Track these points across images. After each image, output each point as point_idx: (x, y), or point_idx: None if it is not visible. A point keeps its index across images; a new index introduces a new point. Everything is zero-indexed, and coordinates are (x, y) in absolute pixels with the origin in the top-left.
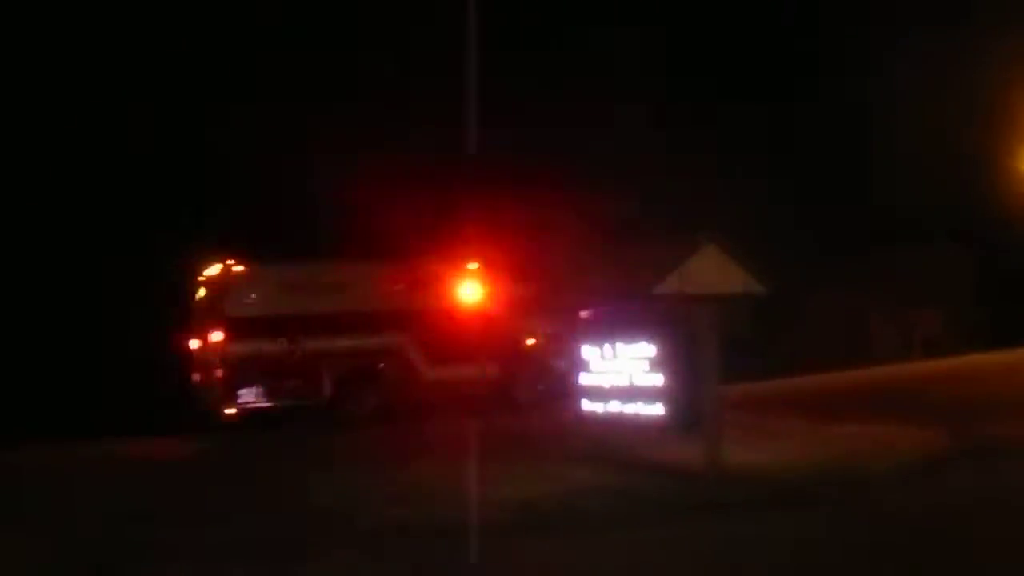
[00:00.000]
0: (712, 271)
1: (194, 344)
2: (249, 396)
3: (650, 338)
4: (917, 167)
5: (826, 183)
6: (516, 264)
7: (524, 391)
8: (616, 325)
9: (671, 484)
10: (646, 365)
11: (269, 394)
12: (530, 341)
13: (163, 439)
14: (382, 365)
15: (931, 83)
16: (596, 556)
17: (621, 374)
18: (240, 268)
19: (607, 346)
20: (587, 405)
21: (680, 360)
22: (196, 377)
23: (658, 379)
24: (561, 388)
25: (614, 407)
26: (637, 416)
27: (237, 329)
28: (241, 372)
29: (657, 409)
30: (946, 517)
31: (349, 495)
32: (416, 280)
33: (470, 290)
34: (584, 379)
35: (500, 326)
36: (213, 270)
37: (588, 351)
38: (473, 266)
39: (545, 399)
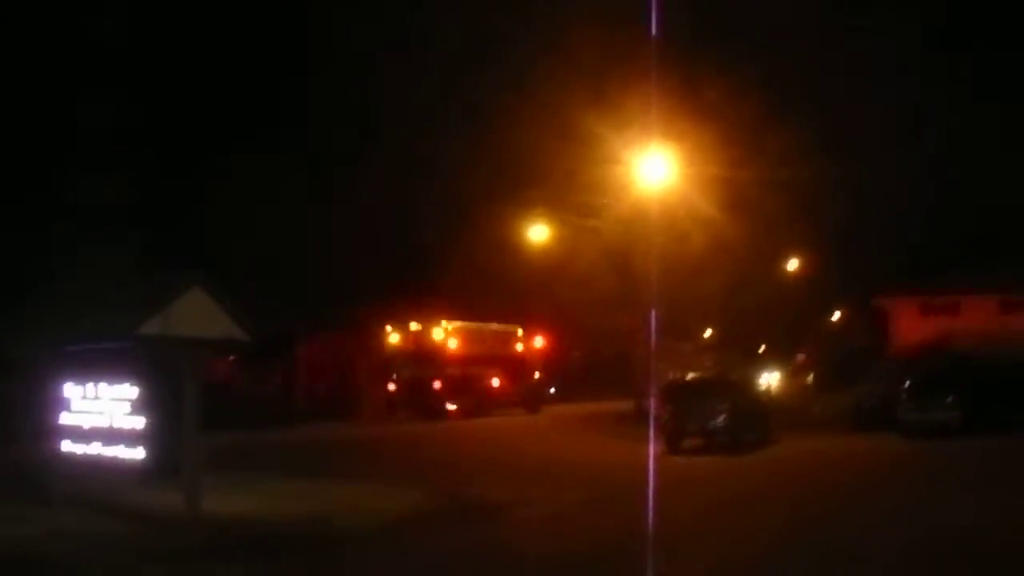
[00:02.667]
0: (197, 315)
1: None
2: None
3: (133, 380)
4: None
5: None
6: None
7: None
8: (99, 365)
9: (149, 530)
10: (128, 407)
11: None
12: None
13: None
14: None
15: None
16: None
17: (103, 415)
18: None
19: (89, 386)
20: (67, 446)
21: (163, 404)
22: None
23: (140, 422)
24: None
25: (95, 449)
26: (118, 459)
27: None
28: None
29: (138, 453)
30: (424, 570)
31: None
32: None
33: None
34: (65, 419)
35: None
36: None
37: (70, 390)
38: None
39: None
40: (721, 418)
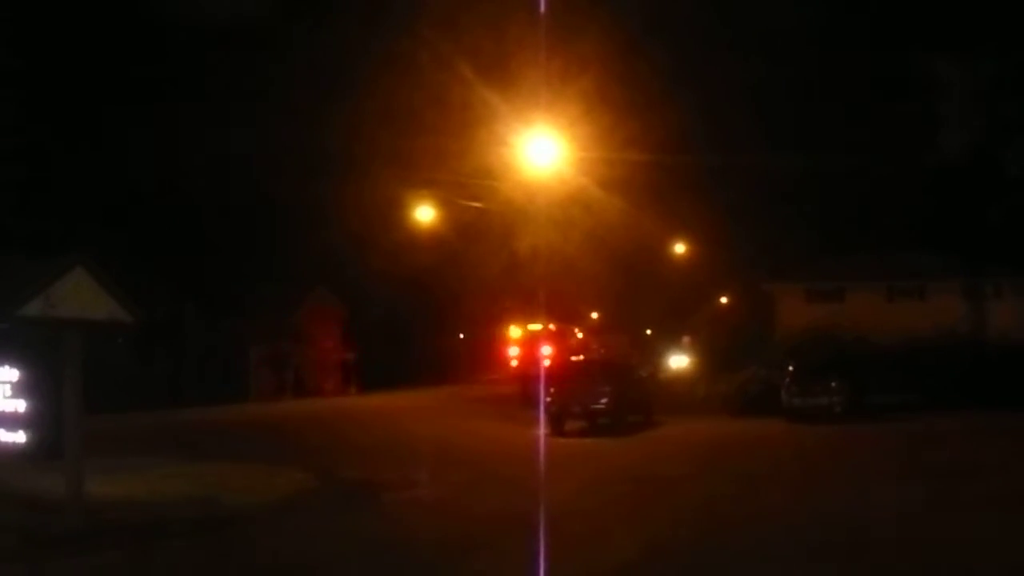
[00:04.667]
0: (80, 296)
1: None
2: None
3: (14, 362)
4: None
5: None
6: None
7: None
8: None
9: (33, 515)
10: (9, 390)
11: None
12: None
13: None
14: None
15: None
16: None
17: None
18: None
19: None
20: None
21: (45, 386)
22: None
23: (21, 405)
24: None
25: None
26: None
27: None
28: None
29: (19, 436)
30: (308, 551)
31: None
32: None
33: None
34: None
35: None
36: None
37: None
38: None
39: None
40: (604, 400)
